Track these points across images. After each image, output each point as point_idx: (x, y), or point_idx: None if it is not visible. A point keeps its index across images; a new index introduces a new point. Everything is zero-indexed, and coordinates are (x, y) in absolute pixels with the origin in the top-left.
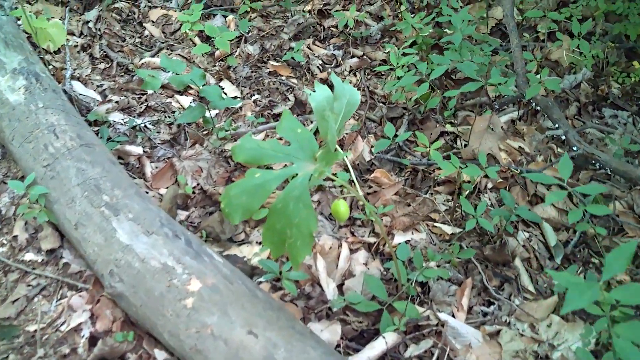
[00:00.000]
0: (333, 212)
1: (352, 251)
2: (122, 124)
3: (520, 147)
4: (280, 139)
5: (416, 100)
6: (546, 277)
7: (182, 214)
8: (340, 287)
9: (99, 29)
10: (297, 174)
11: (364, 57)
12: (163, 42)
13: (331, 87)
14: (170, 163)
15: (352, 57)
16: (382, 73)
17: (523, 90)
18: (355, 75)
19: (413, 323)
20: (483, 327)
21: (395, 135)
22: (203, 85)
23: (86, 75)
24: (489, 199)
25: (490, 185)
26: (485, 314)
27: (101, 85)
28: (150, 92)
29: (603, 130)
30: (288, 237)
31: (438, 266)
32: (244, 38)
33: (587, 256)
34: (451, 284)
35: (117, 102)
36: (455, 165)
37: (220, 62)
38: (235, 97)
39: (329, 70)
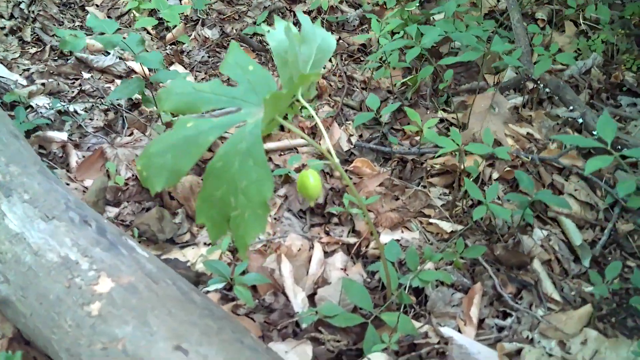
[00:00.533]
0: (299, 187)
1: (327, 254)
2: (47, 108)
3: (528, 133)
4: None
5: (403, 83)
6: (572, 282)
7: (112, 211)
8: (311, 297)
9: (33, 12)
10: (245, 122)
11: (340, 41)
12: None
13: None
14: (101, 151)
15: None
16: (361, 58)
17: (528, 71)
18: (330, 60)
19: (408, 341)
20: (499, 344)
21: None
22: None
23: (12, 59)
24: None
25: (496, 175)
26: (501, 329)
27: (28, 69)
28: (86, 76)
29: (623, 117)
30: (232, 208)
31: (437, 269)
32: (201, 21)
33: (620, 258)
34: (455, 290)
35: (43, 84)
36: (457, 142)
37: (172, 45)
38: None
39: None
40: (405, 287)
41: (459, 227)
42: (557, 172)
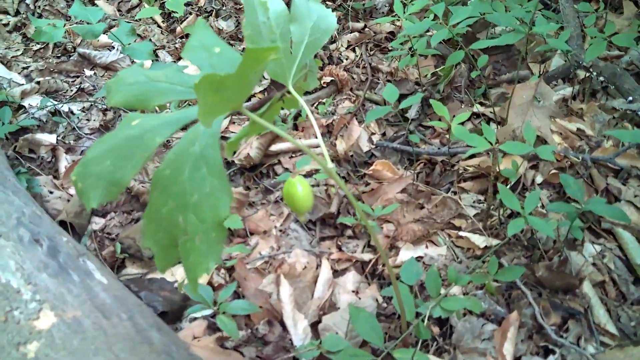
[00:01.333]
0: (285, 198)
1: (337, 273)
2: (40, 110)
3: (579, 129)
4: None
5: (434, 74)
6: (632, 310)
7: (99, 222)
8: (315, 325)
9: (39, 7)
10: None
11: (366, 29)
12: (115, 20)
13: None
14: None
15: (352, 32)
16: (389, 48)
17: (579, 57)
18: (354, 50)
19: None
20: None
21: (398, 103)
22: (130, 44)
23: (12, 57)
24: (540, 199)
25: (540, 179)
26: None
27: (27, 67)
28: (88, 73)
29: None
30: (181, 230)
31: (465, 294)
32: (215, 12)
33: None
34: (486, 321)
35: (38, 82)
36: (490, 140)
37: (182, 39)
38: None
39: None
40: (425, 317)
41: (495, 242)
42: (613, 174)
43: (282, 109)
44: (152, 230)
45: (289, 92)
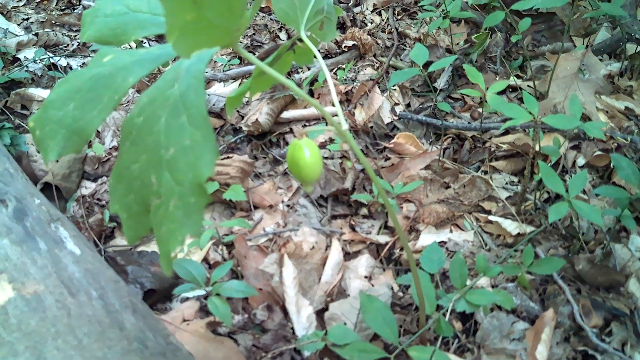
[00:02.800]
0: (289, 164)
1: (348, 255)
2: (35, 62)
3: (627, 108)
4: None
5: (467, 41)
6: None
7: (89, 187)
8: (320, 313)
9: None
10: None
11: None
12: None
13: None
14: None
15: None
16: (418, 13)
17: (631, 29)
18: (380, 14)
19: None
20: None
21: (426, 68)
22: None
23: (12, 7)
24: None
25: (582, 161)
26: None
27: (28, 19)
28: None
29: None
30: (153, 192)
31: (494, 286)
32: None
33: None
34: (517, 319)
35: (36, 34)
36: (532, 111)
37: None
38: None
39: (343, 6)
40: (447, 311)
41: (529, 229)
42: None
43: (298, 71)
44: (120, 191)
45: (300, 40)
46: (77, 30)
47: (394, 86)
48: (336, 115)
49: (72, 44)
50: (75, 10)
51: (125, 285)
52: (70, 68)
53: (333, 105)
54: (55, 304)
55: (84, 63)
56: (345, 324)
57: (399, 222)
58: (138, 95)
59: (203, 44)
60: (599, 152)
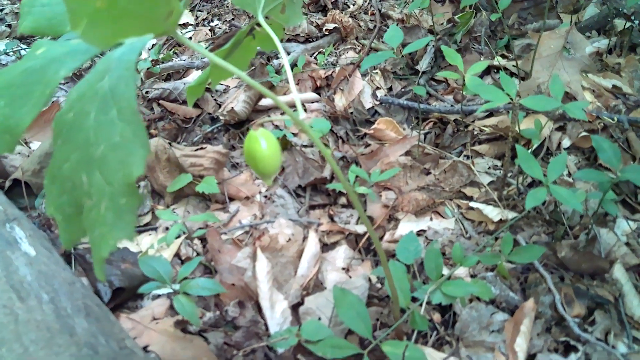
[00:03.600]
0: (246, 156)
1: (326, 247)
2: (7, 54)
3: (615, 86)
4: None
5: (450, 21)
6: None
7: None
8: (296, 307)
9: None
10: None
11: None
12: None
13: None
14: (57, 105)
15: None
16: None
17: (618, 4)
18: None
19: None
20: None
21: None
22: None
23: None
24: (567, 166)
25: (567, 142)
26: None
27: (2, 9)
28: None
29: None
30: (85, 193)
31: (473, 276)
32: None
33: None
34: (496, 309)
35: (9, 26)
36: (509, 94)
37: None
38: (186, 24)
39: None
40: (422, 303)
41: (511, 215)
42: None
43: (277, 57)
44: (54, 192)
45: (258, 25)
46: None
47: (375, 70)
48: (317, 106)
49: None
50: None
51: (81, 287)
52: None
53: (312, 91)
54: (2, 309)
55: None
56: (320, 318)
57: (377, 209)
58: None
59: (121, 33)
60: (584, 133)
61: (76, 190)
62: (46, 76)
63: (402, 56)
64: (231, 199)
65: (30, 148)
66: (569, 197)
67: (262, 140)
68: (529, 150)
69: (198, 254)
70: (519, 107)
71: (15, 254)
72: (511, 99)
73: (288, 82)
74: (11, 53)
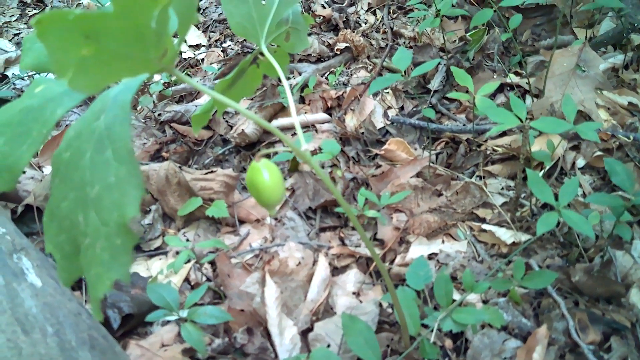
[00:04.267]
0: (248, 186)
1: (336, 270)
2: (23, 79)
3: (631, 103)
4: None
5: (462, 39)
6: None
7: None
8: (306, 333)
9: None
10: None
11: None
12: None
13: None
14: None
15: None
16: (414, 10)
17: (634, 19)
18: (374, 13)
19: None
20: None
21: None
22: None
23: (4, 23)
24: (581, 186)
25: (581, 162)
26: None
27: (19, 34)
28: None
29: None
30: (81, 232)
31: (485, 301)
32: None
33: None
34: (509, 336)
35: None
36: (519, 116)
37: None
38: (199, 46)
39: (336, 7)
40: (431, 332)
41: (524, 238)
42: None
43: (288, 77)
44: (53, 230)
45: (262, 54)
46: None
47: (386, 89)
48: (325, 127)
49: None
50: None
51: (87, 318)
52: None
53: (323, 111)
54: (6, 343)
55: None
56: (329, 345)
57: (388, 232)
58: None
59: (113, 76)
60: (599, 153)
61: (74, 229)
62: (44, 115)
63: (406, 78)
64: (241, 222)
65: (42, 172)
66: (581, 222)
67: (264, 172)
68: (543, 171)
69: (208, 279)
70: (530, 129)
71: (21, 286)
72: (521, 121)
73: (300, 103)
74: (26, 77)
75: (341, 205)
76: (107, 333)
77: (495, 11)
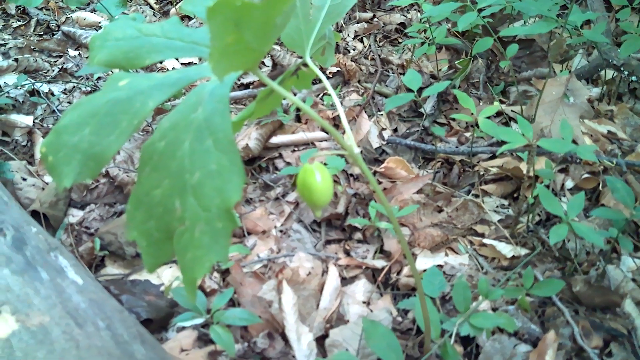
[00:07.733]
0: (299, 188)
1: (345, 280)
2: (17, 88)
3: (610, 132)
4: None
5: (450, 67)
6: None
7: (76, 215)
8: (320, 340)
9: None
10: (207, 79)
11: (375, 20)
12: None
13: None
14: None
15: (359, 22)
16: (399, 40)
17: (609, 55)
18: (361, 41)
19: None
20: None
21: (420, 92)
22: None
23: None
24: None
25: (570, 184)
26: None
27: (5, 44)
28: (72, 53)
29: None
30: (177, 218)
31: (494, 309)
32: None
33: None
34: (519, 341)
35: (16, 60)
36: (527, 135)
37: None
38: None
39: None
40: (452, 334)
41: (523, 252)
42: None
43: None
44: (139, 218)
45: (305, 65)
46: (57, 56)
47: (380, 112)
48: (325, 145)
49: (53, 70)
50: (55, 36)
51: (130, 315)
52: (52, 94)
53: (323, 130)
54: (62, 335)
55: (65, 89)
56: (347, 350)
57: (394, 245)
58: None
59: (237, 66)
60: (587, 175)
61: (166, 216)
62: (134, 107)
63: (418, 99)
64: (248, 233)
65: (43, 181)
66: (590, 233)
67: (317, 173)
68: (535, 191)
69: (220, 287)
70: (538, 148)
71: (65, 282)
72: (529, 141)
73: (297, 122)
74: (19, 87)
75: (381, 203)
76: (147, 331)
77: (495, 41)
